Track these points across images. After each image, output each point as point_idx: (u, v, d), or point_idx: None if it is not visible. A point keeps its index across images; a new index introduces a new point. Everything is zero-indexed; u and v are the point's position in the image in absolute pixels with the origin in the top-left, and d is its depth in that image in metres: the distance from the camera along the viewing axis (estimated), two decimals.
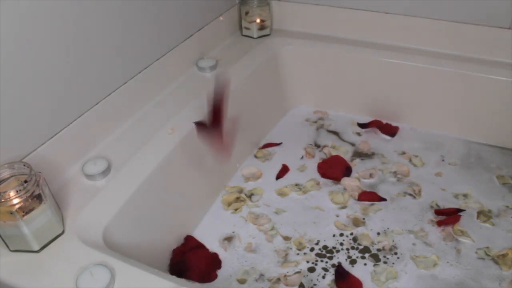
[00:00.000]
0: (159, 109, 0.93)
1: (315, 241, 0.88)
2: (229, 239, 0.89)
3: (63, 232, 0.67)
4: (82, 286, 0.58)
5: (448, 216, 0.91)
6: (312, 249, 0.87)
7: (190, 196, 0.91)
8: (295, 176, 1.03)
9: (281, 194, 0.99)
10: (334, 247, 0.87)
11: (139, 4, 0.86)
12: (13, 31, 0.64)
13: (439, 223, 0.90)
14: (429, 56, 1.09)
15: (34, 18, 0.67)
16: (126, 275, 0.60)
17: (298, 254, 0.86)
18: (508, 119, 1.04)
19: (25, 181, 0.60)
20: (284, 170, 1.04)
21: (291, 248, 0.87)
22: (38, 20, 0.67)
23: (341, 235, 0.89)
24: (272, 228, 0.91)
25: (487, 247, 0.86)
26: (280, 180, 1.02)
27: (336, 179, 1.02)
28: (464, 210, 0.92)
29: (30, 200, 0.60)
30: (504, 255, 0.84)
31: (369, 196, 0.96)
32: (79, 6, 0.73)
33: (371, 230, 0.90)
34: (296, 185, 1.01)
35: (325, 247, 0.87)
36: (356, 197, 0.97)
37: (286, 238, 0.89)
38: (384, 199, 0.96)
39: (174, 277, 0.64)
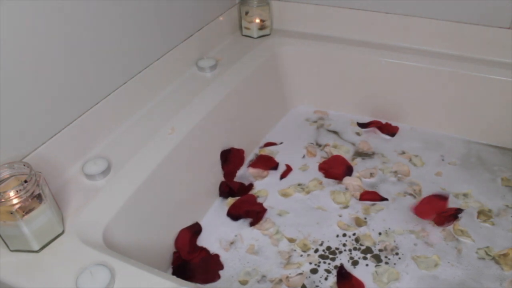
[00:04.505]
0: (159, 109, 0.93)
1: (319, 242, 0.88)
2: (231, 240, 0.89)
3: (63, 232, 0.67)
4: (82, 286, 0.58)
5: (447, 215, 0.91)
6: (316, 251, 0.87)
7: (191, 196, 0.90)
8: (297, 175, 1.03)
9: (284, 194, 0.98)
10: (337, 248, 0.87)
11: (139, 4, 0.86)
12: (13, 31, 0.64)
13: (436, 220, 0.90)
14: (429, 56, 1.09)
15: (34, 18, 0.66)
16: (126, 275, 0.60)
17: (301, 255, 0.86)
18: (508, 119, 1.04)
19: (25, 181, 0.60)
20: (287, 170, 1.04)
21: (295, 250, 0.87)
22: (38, 20, 0.67)
23: (344, 235, 0.89)
24: (277, 232, 0.90)
25: (488, 247, 0.86)
26: (284, 180, 1.02)
27: (338, 179, 1.01)
28: (464, 210, 0.92)
29: (30, 200, 0.60)
30: (505, 255, 0.84)
31: (371, 196, 0.96)
32: (79, 6, 0.73)
33: (373, 230, 0.90)
34: (299, 185, 1.01)
35: (328, 248, 0.87)
36: (358, 197, 0.97)
37: (291, 240, 0.88)
38: (386, 199, 0.96)
39: (174, 277, 0.63)
